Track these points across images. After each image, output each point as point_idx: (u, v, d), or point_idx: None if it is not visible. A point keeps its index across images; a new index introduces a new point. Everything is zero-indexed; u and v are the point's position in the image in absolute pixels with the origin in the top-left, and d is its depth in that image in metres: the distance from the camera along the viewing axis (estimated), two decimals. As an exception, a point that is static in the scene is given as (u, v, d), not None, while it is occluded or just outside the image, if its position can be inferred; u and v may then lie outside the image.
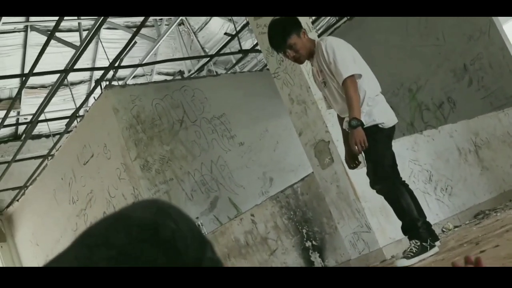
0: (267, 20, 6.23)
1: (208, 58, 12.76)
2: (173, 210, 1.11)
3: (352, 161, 4.88)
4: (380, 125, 4.56)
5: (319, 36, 6.41)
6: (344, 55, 4.54)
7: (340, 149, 5.86)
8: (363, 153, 4.64)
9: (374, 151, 4.55)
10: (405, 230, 4.69)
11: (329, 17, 13.27)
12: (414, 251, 4.41)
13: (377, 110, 4.58)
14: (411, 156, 6.50)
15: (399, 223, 4.79)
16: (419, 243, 4.44)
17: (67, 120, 12.01)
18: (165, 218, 1.08)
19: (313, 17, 12.08)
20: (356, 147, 4.37)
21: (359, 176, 5.77)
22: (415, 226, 4.55)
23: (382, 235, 5.70)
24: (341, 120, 4.96)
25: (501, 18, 9.45)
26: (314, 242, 6.47)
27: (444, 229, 6.10)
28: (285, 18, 4.72)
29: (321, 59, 4.59)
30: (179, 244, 1.06)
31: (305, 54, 4.69)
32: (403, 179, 4.95)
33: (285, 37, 4.61)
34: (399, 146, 6.42)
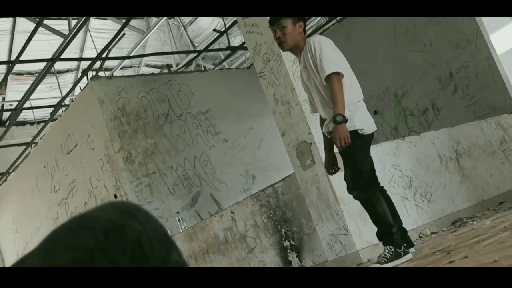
0: (255, 19, 6.27)
1: (197, 53, 12.77)
2: (139, 212, 1.11)
3: (331, 167, 4.93)
4: (360, 131, 4.60)
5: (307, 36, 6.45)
6: (330, 53, 4.59)
7: (322, 151, 5.89)
8: (341, 158, 4.68)
9: (353, 156, 4.59)
10: (379, 236, 4.74)
11: (318, 18, 13.31)
12: (388, 257, 4.45)
13: (358, 116, 4.62)
14: (392, 161, 6.55)
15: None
16: (393, 249, 4.49)
17: (52, 108, 11.98)
18: (130, 219, 1.08)
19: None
20: (339, 142, 4.40)
21: (339, 179, 5.80)
22: (390, 232, 4.60)
23: (359, 238, 5.75)
24: (322, 122, 4.99)
25: (488, 28, 9.52)
26: (292, 242, 6.50)
27: (421, 235, 6.16)
28: None
29: (308, 55, 4.63)
30: (144, 246, 1.06)
31: (290, 42, 4.73)
32: (381, 185, 4.99)
33: (281, 17, 4.70)
34: (381, 150, 6.48)
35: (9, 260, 13.36)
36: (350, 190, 4.76)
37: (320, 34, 11.50)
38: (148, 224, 1.10)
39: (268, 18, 4.97)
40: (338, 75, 4.50)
